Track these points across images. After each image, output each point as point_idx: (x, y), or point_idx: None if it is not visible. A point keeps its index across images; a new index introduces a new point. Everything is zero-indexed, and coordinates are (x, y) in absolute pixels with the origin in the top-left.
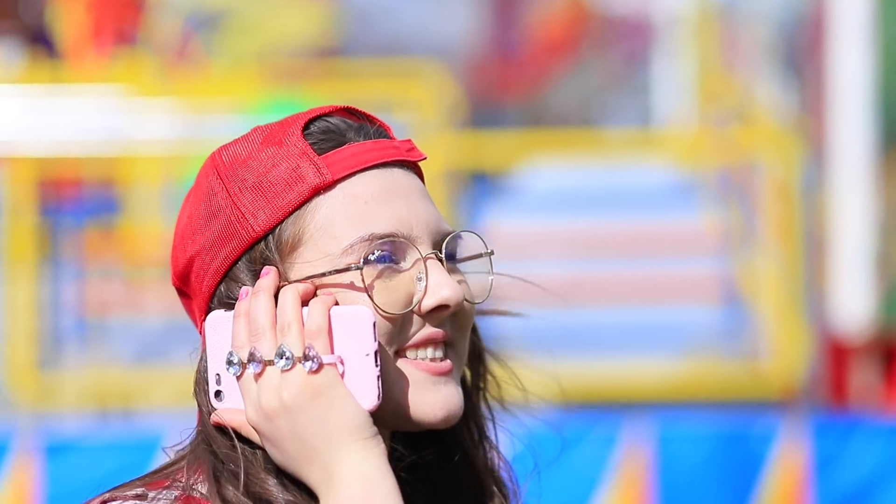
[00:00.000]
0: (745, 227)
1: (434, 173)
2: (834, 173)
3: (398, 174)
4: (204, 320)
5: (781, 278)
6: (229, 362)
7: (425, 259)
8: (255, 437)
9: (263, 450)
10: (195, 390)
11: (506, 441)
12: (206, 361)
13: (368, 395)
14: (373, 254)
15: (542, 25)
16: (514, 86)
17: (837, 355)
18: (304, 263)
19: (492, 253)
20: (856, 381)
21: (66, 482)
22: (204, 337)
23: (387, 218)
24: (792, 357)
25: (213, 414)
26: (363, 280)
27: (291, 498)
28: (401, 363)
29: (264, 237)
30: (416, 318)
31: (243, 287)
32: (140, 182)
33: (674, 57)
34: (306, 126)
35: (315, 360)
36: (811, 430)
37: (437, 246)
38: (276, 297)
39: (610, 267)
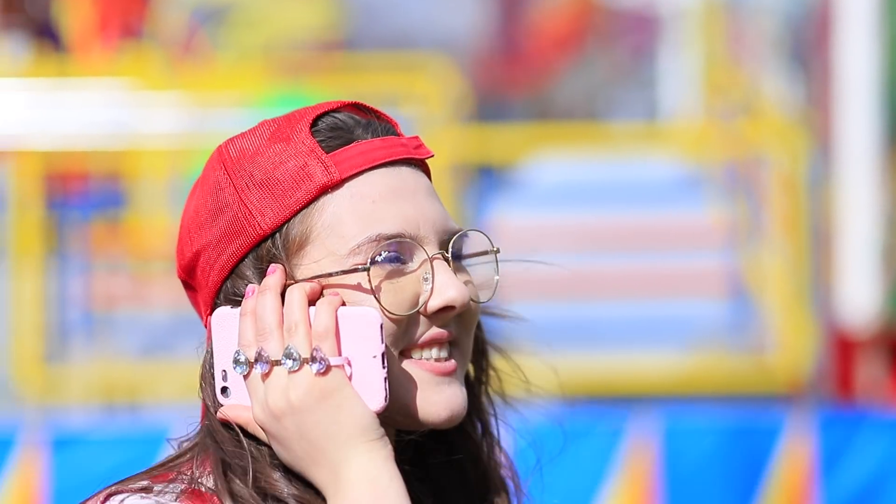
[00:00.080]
0: (751, 220)
1: (440, 167)
2: (840, 167)
3: (406, 172)
4: (209, 314)
5: (788, 272)
6: (236, 361)
7: (432, 259)
8: (260, 435)
9: (269, 447)
10: (201, 385)
11: (509, 436)
12: (211, 357)
13: (376, 396)
14: (380, 255)
15: (548, 19)
16: (521, 80)
17: (844, 349)
18: (311, 263)
19: (498, 251)
20: (862, 374)
21: (73, 476)
22: (210, 332)
23: (394, 217)
24: (798, 351)
25: (218, 410)
26: (370, 281)
27: (297, 492)
28: (405, 363)
29: (271, 235)
30: (421, 318)
31: (249, 285)
32: (146, 176)
33: (680, 50)
34: (314, 122)
35: (322, 362)
36: (817, 423)
37: (443, 245)
38: (282, 295)
39: (616, 261)
